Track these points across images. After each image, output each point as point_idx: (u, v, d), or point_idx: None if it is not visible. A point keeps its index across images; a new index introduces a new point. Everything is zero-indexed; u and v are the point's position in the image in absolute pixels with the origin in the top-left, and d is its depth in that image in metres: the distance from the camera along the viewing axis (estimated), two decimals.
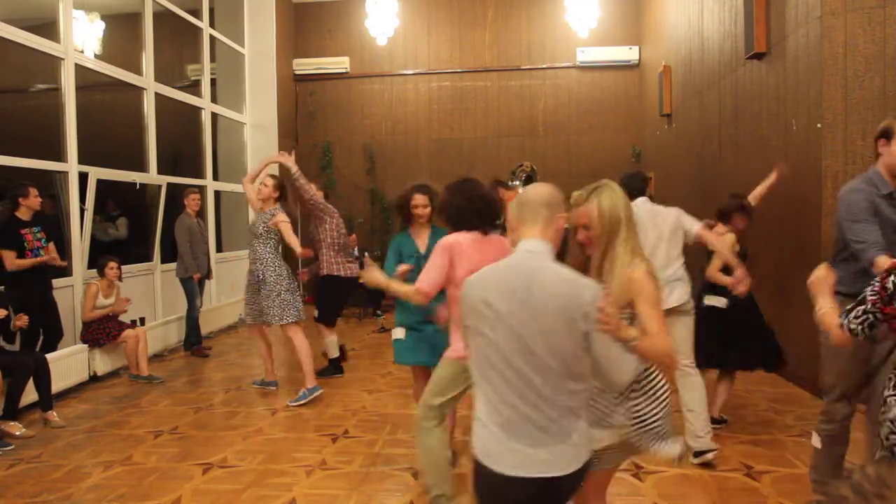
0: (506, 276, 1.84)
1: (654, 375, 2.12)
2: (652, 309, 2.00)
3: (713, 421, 4.19)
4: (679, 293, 3.81)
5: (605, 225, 2.04)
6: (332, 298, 5.92)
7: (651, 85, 9.72)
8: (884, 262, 2.54)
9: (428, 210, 3.76)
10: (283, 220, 5.27)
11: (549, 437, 1.76)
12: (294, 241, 5.23)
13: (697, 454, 3.67)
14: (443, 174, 9.88)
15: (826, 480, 2.83)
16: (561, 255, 1.96)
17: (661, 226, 3.92)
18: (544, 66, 10.68)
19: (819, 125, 4.74)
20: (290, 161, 5.40)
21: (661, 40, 9.21)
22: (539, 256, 1.86)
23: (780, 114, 5.41)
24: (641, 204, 4.01)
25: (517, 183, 10.55)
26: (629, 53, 10.36)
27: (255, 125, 10.26)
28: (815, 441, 2.96)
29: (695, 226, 3.85)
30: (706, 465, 3.66)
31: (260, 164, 5.74)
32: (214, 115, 9.45)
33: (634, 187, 4.10)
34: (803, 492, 3.19)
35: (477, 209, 3.02)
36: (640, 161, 10.27)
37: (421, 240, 3.82)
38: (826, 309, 2.05)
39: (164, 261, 7.57)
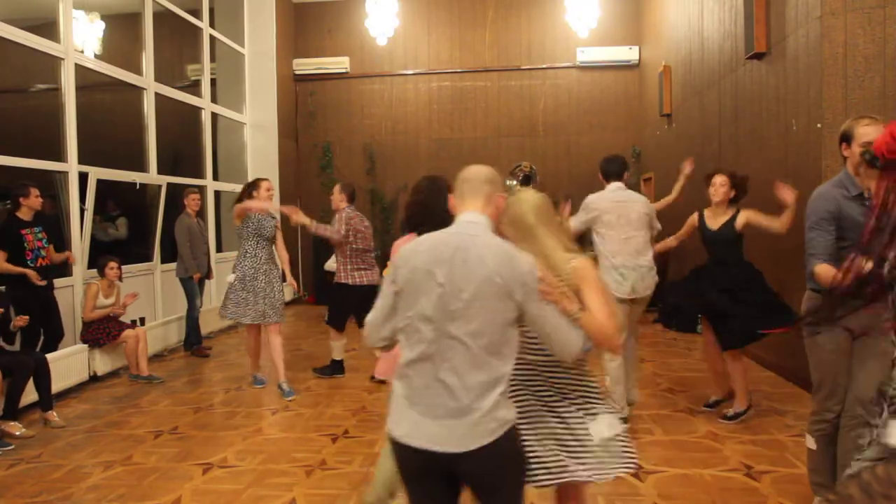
0: (444, 243, 1.85)
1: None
2: (597, 292, 2.03)
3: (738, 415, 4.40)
4: (649, 282, 4.19)
5: (517, 232, 2.10)
6: (341, 305, 5.94)
7: (651, 85, 9.72)
8: (822, 270, 2.61)
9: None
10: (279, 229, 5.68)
11: (448, 412, 1.75)
12: (284, 252, 5.72)
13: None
14: (443, 174, 9.90)
15: (828, 483, 2.81)
16: None
17: (629, 213, 4.20)
18: (544, 66, 10.69)
19: (819, 125, 4.74)
20: (301, 217, 5.32)
21: (661, 40, 9.21)
22: (478, 227, 1.88)
23: (780, 114, 5.41)
24: (609, 192, 4.32)
25: (515, 183, 10.56)
26: (629, 53, 10.37)
27: (255, 125, 10.26)
28: (810, 443, 2.92)
29: (657, 224, 4.42)
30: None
31: (274, 207, 5.65)
32: (214, 115, 9.45)
33: (610, 171, 4.39)
34: (803, 492, 3.19)
35: (411, 212, 2.87)
36: (640, 161, 10.28)
37: None
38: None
39: (164, 261, 7.57)
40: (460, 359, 1.75)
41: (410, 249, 1.89)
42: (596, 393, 2.14)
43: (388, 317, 1.91)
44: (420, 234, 2.57)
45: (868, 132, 2.66)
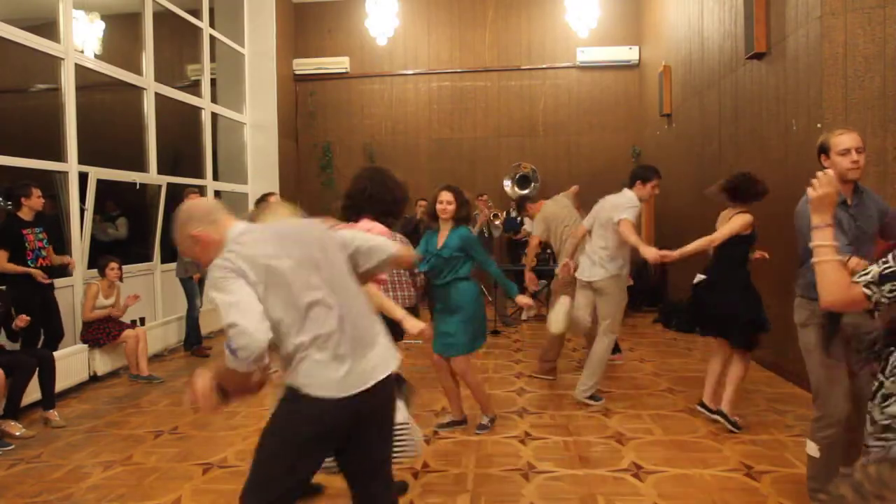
0: (286, 228, 2.14)
1: None
2: None
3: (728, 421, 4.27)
4: (595, 270, 4.72)
5: None
6: None
7: (651, 85, 9.73)
8: (855, 262, 2.55)
9: (451, 207, 3.98)
10: None
11: (368, 345, 2.05)
12: None
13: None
14: (443, 174, 9.91)
15: (825, 488, 2.79)
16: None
17: (600, 213, 4.79)
18: (544, 66, 10.68)
19: (819, 125, 4.74)
20: None
21: (661, 40, 9.21)
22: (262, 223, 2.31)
23: (780, 114, 5.41)
24: (611, 196, 4.82)
25: (510, 183, 10.53)
26: (629, 53, 10.37)
27: (255, 125, 10.26)
28: (812, 450, 2.85)
29: (620, 216, 4.55)
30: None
31: None
32: (214, 115, 9.45)
33: (631, 175, 4.89)
34: (803, 492, 3.18)
35: (348, 203, 3.18)
36: (639, 161, 10.28)
37: (441, 236, 4.02)
38: (826, 243, 1.83)
39: (164, 261, 7.57)
40: (354, 305, 2.07)
41: (257, 252, 1.94)
42: None
43: (263, 313, 1.90)
44: (373, 219, 3.06)
45: (843, 140, 2.78)
